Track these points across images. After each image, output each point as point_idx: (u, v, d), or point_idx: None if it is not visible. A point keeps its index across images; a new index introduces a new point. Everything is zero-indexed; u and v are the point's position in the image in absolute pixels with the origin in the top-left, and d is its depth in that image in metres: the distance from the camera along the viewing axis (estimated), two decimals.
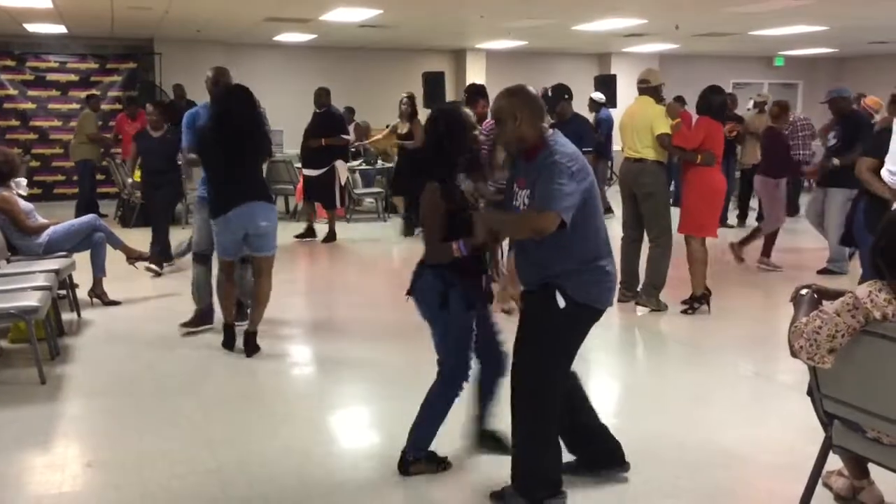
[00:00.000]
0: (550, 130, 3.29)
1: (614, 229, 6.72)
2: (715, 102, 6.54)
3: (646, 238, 6.75)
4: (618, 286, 6.68)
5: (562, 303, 3.21)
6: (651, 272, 6.65)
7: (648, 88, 6.69)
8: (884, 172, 5.04)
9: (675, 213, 6.60)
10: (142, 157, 8.56)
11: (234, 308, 5.64)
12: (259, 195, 5.32)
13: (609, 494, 3.46)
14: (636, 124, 6.57)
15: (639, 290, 6.77)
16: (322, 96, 10.08)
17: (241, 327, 5.55)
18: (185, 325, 5.96)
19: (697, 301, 6.56)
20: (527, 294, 3.41)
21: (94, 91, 13.18)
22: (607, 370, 5.33)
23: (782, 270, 8.31)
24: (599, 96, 12.53)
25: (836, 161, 7.87)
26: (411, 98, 10.53)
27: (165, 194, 8.36)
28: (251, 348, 5.40)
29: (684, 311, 6.56)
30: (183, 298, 6.95)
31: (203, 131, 5.38)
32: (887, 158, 5.02)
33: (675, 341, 6.09)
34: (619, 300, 6.71)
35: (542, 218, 3.11)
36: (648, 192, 6.54)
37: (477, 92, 8.73)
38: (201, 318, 5.98)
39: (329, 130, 9.93)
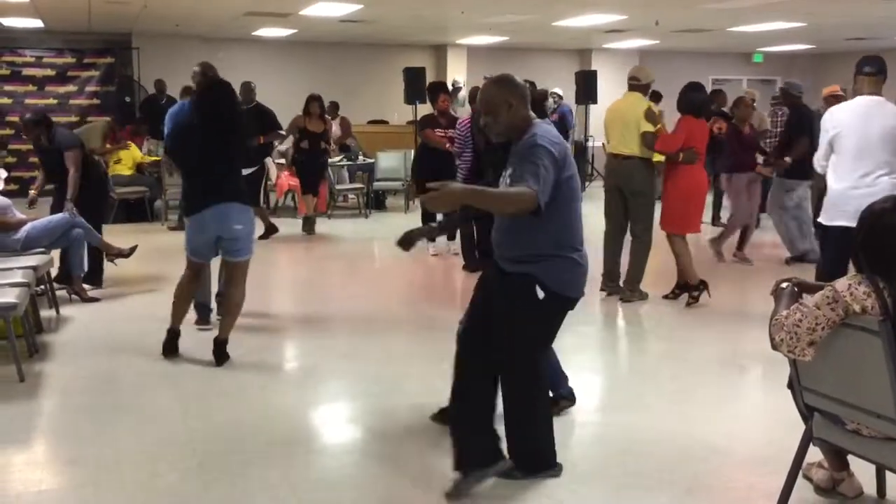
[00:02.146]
0: (536, 118, 3.38)
1: (595, 223, 6.77)
2: (696, 100, 6.60)
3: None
4: (600, 277, 6.77)
5: (541, 294, 3.30)
6: (633, 265, 6.74)
7: (639, 86, 6.70)
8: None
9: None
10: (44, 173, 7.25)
11: (187, 311, 5.47)
12: (235, 196, 5.10)
13: (590, 488, 3.47)
14: (626, 119, 6.55)
15: (621, 283, 6.82)
16: (249, 92, 9.44)
17: (205, 332, 5.52)
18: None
19: (696, 289, 6.65)
20: (502, 273, 3.41)
21: (109, 118, 12.17)
22: (588, 364, 5.33)
23: (752, 265, 8.32)
24: (558, 92, 12.62)
25: (787, 158, 7.97)
26: (318, 100, 10.21)
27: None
28: (222, 357, 5.14)
29: (687, 304, 6.63)
30: (163, 295, 6.91)
31: (183, 124, 5.28)
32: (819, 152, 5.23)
33: (655, 335, 6.12)
34: (602, 290, 6.86)
35: (519, 196, 3.09)
36: (638, 191, 6.59)
37: (438, 88, 8.96)
38: (199, 313, 5.90)
39: (263, 127, 9.22)
